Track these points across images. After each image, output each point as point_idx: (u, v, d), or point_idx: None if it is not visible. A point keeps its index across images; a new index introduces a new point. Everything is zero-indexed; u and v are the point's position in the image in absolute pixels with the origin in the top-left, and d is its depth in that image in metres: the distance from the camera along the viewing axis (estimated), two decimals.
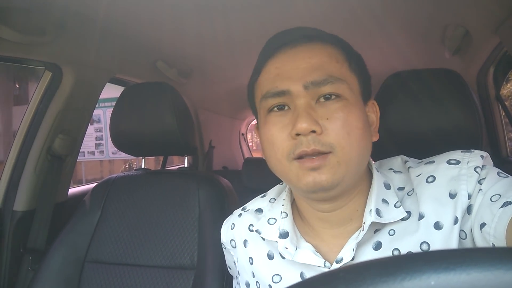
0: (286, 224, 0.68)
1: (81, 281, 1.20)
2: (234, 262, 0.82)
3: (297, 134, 0.58)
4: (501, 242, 0.50)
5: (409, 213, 0.62)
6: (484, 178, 0.58)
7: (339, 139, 0.57)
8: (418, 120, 0.86)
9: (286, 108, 0.62)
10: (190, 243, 1.17)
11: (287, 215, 0.69)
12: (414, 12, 1.33)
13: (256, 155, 3.83)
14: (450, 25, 1.41)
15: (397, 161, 0.73)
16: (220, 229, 0.87)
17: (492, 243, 0.52)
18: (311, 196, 0.62)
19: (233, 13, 1.28)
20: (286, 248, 0.65)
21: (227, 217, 0.86)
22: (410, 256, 0.22)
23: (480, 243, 0.55)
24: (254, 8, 1.24)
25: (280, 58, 0.64)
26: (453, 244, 0.57)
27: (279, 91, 0.61)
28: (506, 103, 1.83)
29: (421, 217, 0.60)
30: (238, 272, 0.80)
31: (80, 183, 5.61)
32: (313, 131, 0.57)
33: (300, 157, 0.58)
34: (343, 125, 0.58)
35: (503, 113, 1.82)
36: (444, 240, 0.58)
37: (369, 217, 0.60)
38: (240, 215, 0.81)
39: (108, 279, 1.18)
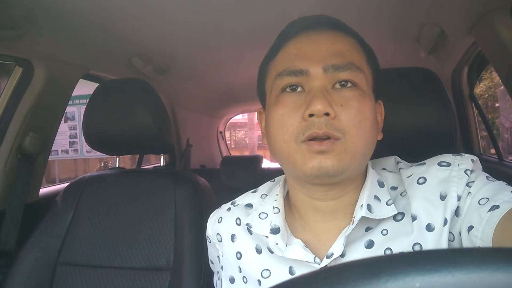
0: (278, 219, 0.67)
1: (53, 284, 1.17)
2: (218, 256, 0.81)
3: (310, 115, 0.57)
4: (487, 245, 0.51)
5: (402, 214, 0.62)
6: (473, 181, 0.59)
7: (350, 127, 0.57)
8: (392, 117, 0.87)
9: (300, 89, 0.62)
10: (166, 244, 1.14)
11: (279, 211, 0.69)
12: (390, 11, 1.35)
13: (234, 153, 3.82)
14: (426, 25, 1.43)
15: (390, 161, 0.74)
16: (197, 229, 0.86)
17: (479, 246, 0.52)
18: (314, 181, 0.61)
19: (212, 9, 1.26)
20: (277, 244, 0.65)
21: (203, 217, 0.85)
22: (394, 257, 0.21)
23: (467, 245, 0.56)
24: (234, 4, 1.22)
25: (302, 40, 0.64)
26: (443, 245, 0.58)
27: (297, 69, 0.61)
28: (479, 101, 1.88)
29: (413, 218, 0.60)
30: (222, 267, 0.78)
31: (53, 182, 5.49)
32: (327, 114, 0.56)
33: (309, 140, 0.58)
34: (356, 114, 0.58)
35: (476, 112, 1.87)
36: (435, 241, 0.58)
37: (360, 212, 0.60)
38: (229, 209, 0.80)
39: (82, 282, 1.15)
